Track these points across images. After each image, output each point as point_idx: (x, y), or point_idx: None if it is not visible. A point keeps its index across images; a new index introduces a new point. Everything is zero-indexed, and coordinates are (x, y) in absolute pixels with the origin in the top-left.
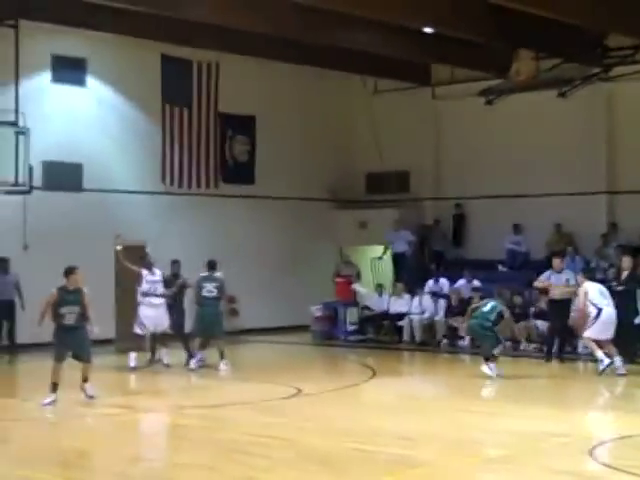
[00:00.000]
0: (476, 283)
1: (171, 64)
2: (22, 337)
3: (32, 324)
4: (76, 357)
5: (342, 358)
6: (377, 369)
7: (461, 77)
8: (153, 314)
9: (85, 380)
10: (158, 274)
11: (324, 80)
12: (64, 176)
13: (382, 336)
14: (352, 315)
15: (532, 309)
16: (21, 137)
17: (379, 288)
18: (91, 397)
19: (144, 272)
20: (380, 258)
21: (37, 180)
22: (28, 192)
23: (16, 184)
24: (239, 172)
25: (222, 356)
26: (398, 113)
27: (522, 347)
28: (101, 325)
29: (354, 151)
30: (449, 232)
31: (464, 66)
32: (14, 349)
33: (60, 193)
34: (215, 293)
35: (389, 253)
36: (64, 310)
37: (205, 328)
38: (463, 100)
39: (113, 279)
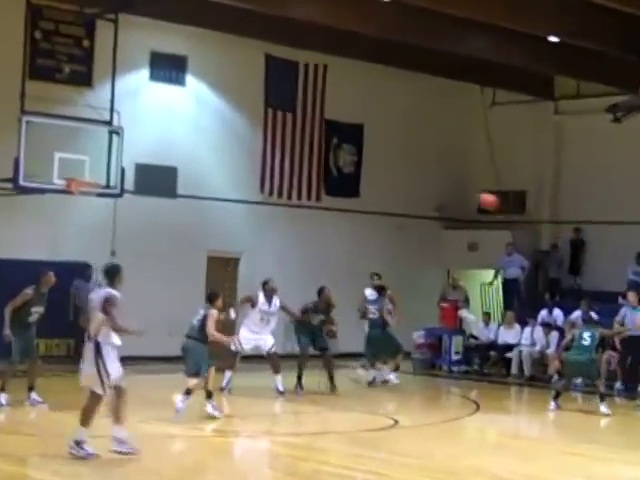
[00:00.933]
0: (594, 316)
1: (275, 65)
2: None
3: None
4: None
5: (444, 390)
6: (481, 403)
7: (587, 91)
8: (254, 337)
9: None
10: (275, 305)
11: (437, 89)
12: (157, 180)
13: (488, 368)
14: (457, 344)
15: None
16: (115, 137)
17: (487, 316)
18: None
19: (260, 300)
20: (490, 284)
21: (129, 183)
22: (119, 195)
23: (107, 186)
24: (343, 184)
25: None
26: (517, 128)
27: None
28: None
29: (466, 166)
30: (566, 259)
31: (591, 79)
32: None
33: (152, 198)
34: (377, 314)
35: (500, 278)
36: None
37: (377, 350)
38: (588, 116)
39: (203, 292)
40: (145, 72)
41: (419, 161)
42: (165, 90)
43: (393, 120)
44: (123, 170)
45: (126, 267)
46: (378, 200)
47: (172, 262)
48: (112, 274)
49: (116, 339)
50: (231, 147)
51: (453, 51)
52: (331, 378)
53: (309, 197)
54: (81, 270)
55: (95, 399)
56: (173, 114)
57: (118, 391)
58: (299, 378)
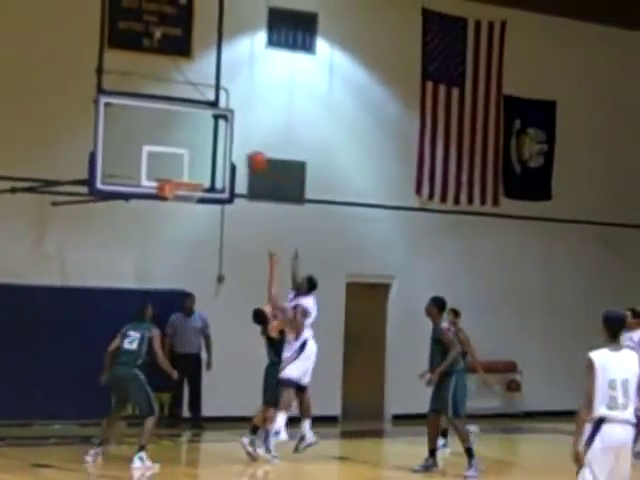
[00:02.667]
0: None
1: (437, 24)
2: (208, 408)
3: (221, 389)
4: None
5: None
6: None
7: None
8: None
9: None
10: None
11: None
12: (279, 180)
13: None
14: None
15: None
16: (221, 123)
17: None
18: None
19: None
20: None
21: (241, 185)
22: (228, 201)
23: (212, 189)
24: (529, 182)
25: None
26: None
27: None
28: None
29: None
30: None
31: None
32: (199, 423)
33: (272, 204)
34: None
35: None
36: None
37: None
38: None
39: (342, 329)
40: (262, 36)
41: (632, 150)
42: (288, 59)
43: (596, 96)
44: (234, 167)
45: (235, 296)
46: (576, 203)
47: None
48: None
49: None
50: (377, 135)
51: None
52: None
53: (483, 201)
54: (178, 301)
55: None
56: (299, 91)
57: None
58: None
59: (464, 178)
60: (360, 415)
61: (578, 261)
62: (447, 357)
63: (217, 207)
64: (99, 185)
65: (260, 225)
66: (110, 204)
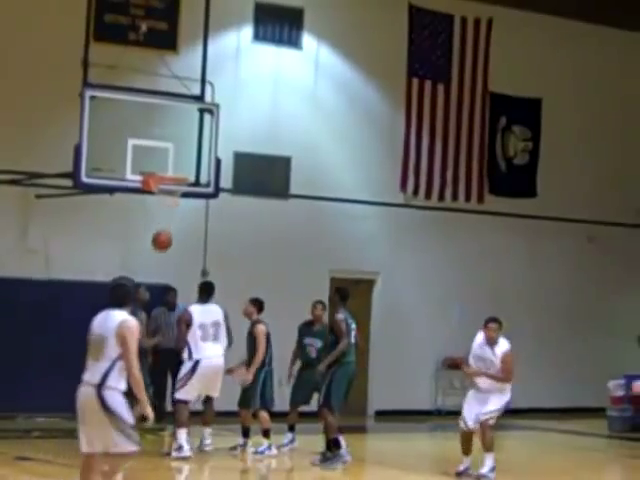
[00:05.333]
0: None
1: (423, 20)
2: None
3: None
4: None
5: None
6: None
7: None
8: None
9: None
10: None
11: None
12: (264, 175)
13: None
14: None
15: None
16: (207, 117)
17: None
18: None
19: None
20: None
21: (226, 179)
22: (213, 196)
23: (197, 183)
24: (514, 180)
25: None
26: None
27: None
28: None
29: None
30: None
31: None
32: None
33: (257, 199)
34: None
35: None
36: None
37: None
38: None
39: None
40: (248, 30)
41: (618, 147)
42: (274, 54)
43: (582, 94)
44: (219, 162)
45: (220, 291)
46: (561, 201)
47: (282, 285)
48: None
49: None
50: (362, 131)
51: None
52: None
53: (468, 198)
54: (162, 295)
55: None
56: (284, 86)
57: None
58: None
59: (449, 175)
60: (343, 411)
61: (563, 258)
62: (336, 349)
63: (202, 201)
64: (84, 178)
65: (245, 220)
66: (95, 197)
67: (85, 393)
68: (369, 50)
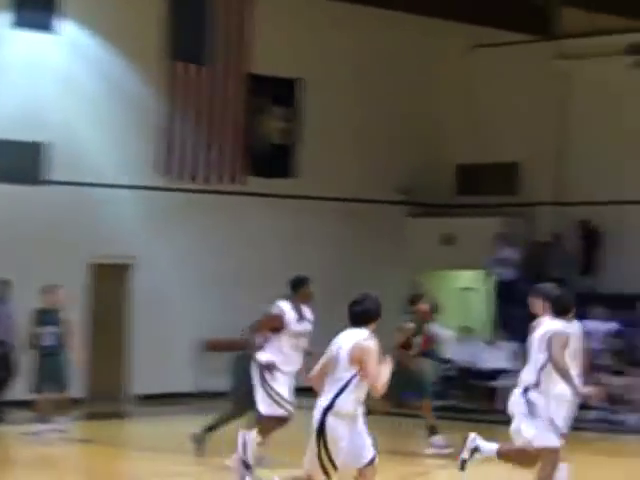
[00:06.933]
0: (614, 327)
1: (182, 1)
2: None
3: None
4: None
5: (410, 433)
6: (457, 450)
7: (601, 26)
8: None
9: None
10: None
11: (400, 30)
12: (16, 161)
13: (470, 402)
14: (430, 370)
15: None
16: None
17: (467, 332)
18: None
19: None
20: (472, 289)
21: None
22: None
23: None
24: (274, 160)
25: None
26: (505, 78)
27: None
28: None
29: (439, 134)
30: (576, 253)
31: (606, 11)
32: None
33: (9, 186)
34: None
35: (488, 281)
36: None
37: None
38: (602, 60)
39: (86, 311)
40: (5, 17)
41: (377, 128)
42: (32, 40)
43: (342, 74)
44: None
45: None
46: (321, 180)
47: (39, 275)
48: None
49: None
50: (121, 114)
51: None
52: None
53: (228, 179)
54: None
55: None
56: (41, 71)
57: None
58: None
59: (209, 157)
60: (105, 397)
61: (324, 238)
62: None
63: None
64: None
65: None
66: None
67: None
68: (127, 33)
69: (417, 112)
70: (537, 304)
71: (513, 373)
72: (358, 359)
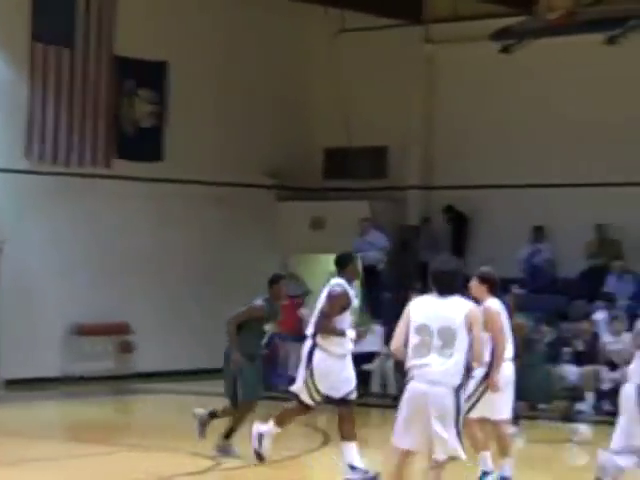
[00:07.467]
0: None
1: None
2: None
3: None
4: None
5: None
6: (331, 433)
7: (467, 13)
8: None
9: None
10: None
11: (267, 13)
12: None
13: None
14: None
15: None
16: None
17: None
18: None
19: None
20: None
21: None
22: None
23: None
24: (141, 143)
25: None
26: (374, 62)
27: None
28: None
29: (308, 117)
30: (443, 236)
31: None
32: None
33: None
34: None
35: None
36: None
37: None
38: (469, 45)
39: None
40: None
41: (245, 111)
42: None
43: (209, 57)
44: None
45: None
46: (189, 164)
47: None
48: None
49: None
50: None
51: None
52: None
53: (95, 162)
54: None
55: None
56: None
57: None
58: None
59: (76, 140)
60: None
61: (192, 222)
62: None
63: None
64: None
65: None
66: None
67: None
68: None
69: (286, 96)
70: (478, 288)
71: (384, 357)
72: None
